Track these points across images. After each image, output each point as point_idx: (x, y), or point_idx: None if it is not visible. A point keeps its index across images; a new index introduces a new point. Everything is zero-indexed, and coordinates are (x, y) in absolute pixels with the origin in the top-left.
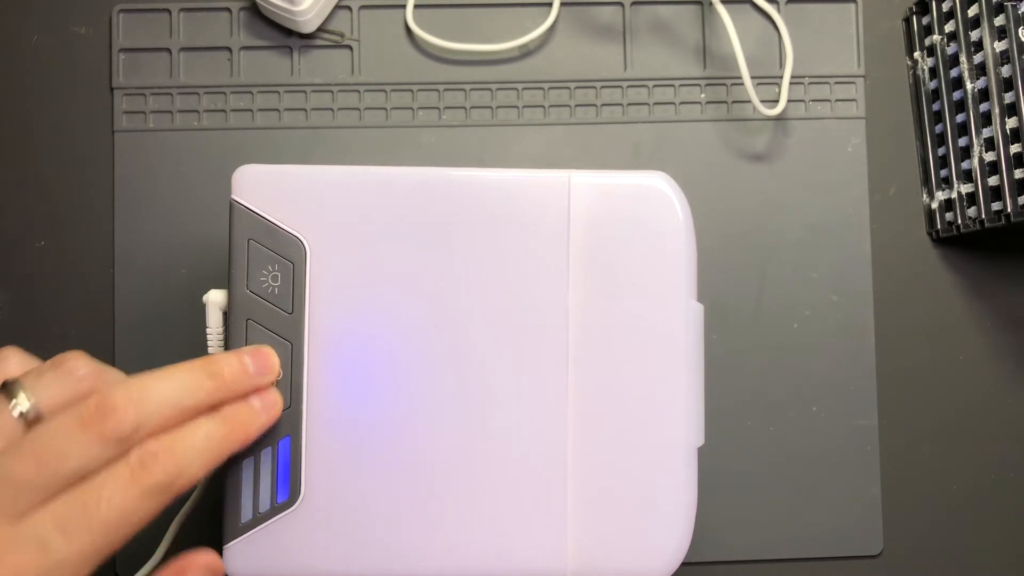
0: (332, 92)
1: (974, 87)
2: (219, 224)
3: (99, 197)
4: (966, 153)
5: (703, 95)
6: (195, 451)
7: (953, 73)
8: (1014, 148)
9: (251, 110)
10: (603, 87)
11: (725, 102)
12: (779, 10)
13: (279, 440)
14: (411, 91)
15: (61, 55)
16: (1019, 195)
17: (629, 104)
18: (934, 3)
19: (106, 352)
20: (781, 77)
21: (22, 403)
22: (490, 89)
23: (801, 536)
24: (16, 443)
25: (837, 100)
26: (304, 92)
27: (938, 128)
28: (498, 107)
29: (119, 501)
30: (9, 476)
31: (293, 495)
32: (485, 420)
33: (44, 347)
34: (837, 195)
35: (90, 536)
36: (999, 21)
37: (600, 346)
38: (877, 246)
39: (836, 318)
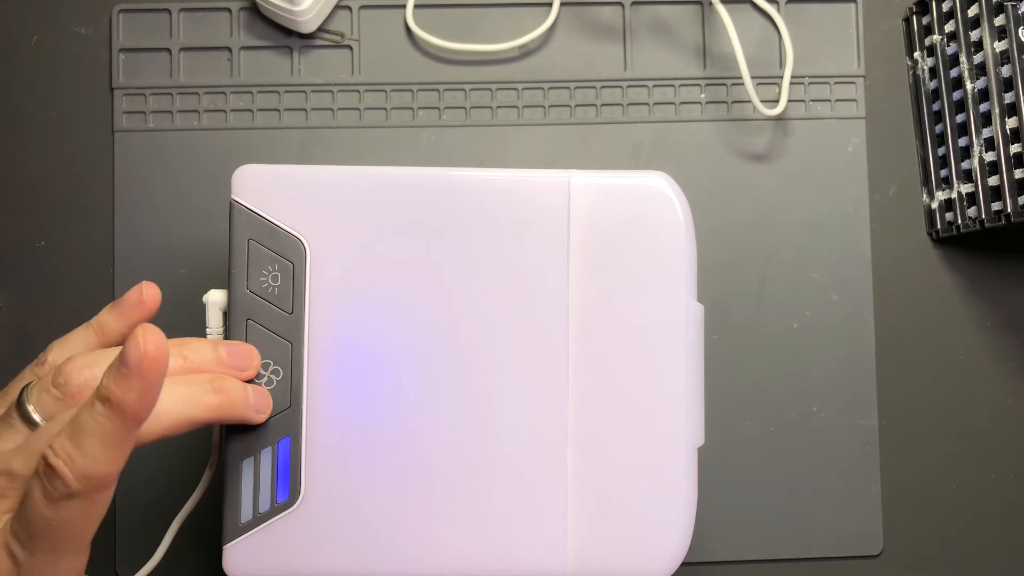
0: (332, 92)
1: (974, 87)
2: (219, 224)
3: (99, 197)
4: (966, 153)
5: (703, 95)
6: (170, 401)
7: (953, 73)
8: (1014, 148)
9: (251, 110)
10: (603, 87)
11: (725, 102)
12: (779, 10)
13: (279, 440)
14: (411, 91)
15: (61, 55)
16: (1019, 195)
17: (629, 104)
18: (934, 3)
19: None
20: (781, 77)
21: (32, 415)
22: (490, 89)
23: (801, 536)
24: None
25: (837, 100)
26: (304, 92)
27: (938, 128)
28: (498, 107)
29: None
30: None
31: (293, 495)
32: (485, 420)
33: (44, 347)
34: (837, 195)
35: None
36: (999, 21)
37: (600, 346)
38: (877, 246)
39: (836, 318)
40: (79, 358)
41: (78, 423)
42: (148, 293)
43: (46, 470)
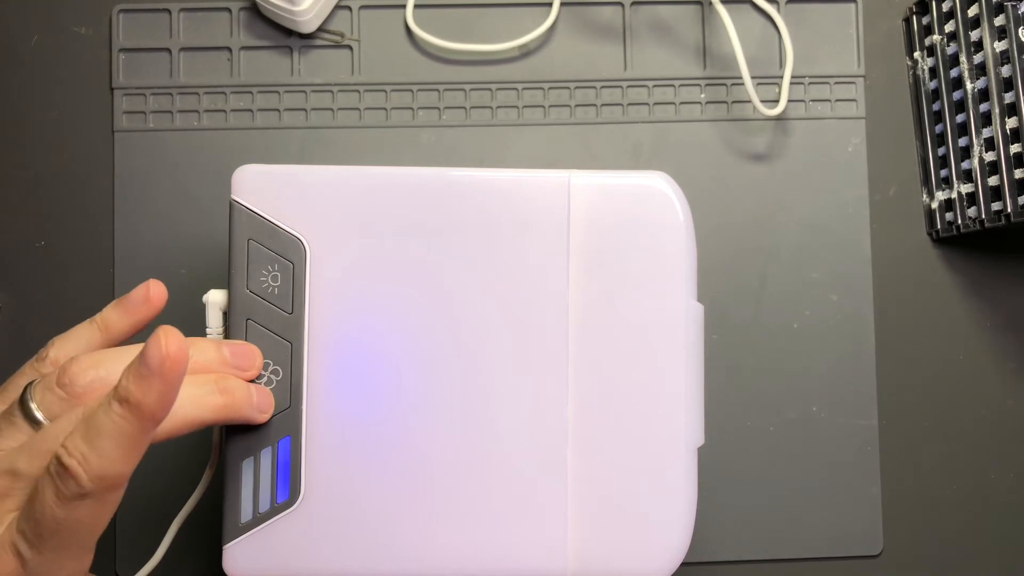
0: (332, 92)
1: (974, 87)
2: (219, 224)
3: (99, 197)
4: (966, 153)
5: (703, 95)
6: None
7: (953, 73)
8: (1014, 148)
9: (251, 110)
10: (603, 87)
11: (725, 102)
12: (779, 10)
13: (279, 440)
14: (411, 91)
15: (61, 55)
16: (1019, 195)
17: (629, 104)
18: (934, 3)
19: None
20: (781, 77)
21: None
22: (490, 89)
23: (801, 536)
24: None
25: (837, 100)
26: (304, 92)
27: (938, 128)
28: (498, 107)
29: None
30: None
31: (293, 495)
32: (485, 420)
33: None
34: (837, 195)
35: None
36: (999, 21)
37: (600, 346)
38: (877, 246)
39: (836, 318)
40: (84, 358)
41: (93, 423)
42: (155, 291)
43: (59, 470)
